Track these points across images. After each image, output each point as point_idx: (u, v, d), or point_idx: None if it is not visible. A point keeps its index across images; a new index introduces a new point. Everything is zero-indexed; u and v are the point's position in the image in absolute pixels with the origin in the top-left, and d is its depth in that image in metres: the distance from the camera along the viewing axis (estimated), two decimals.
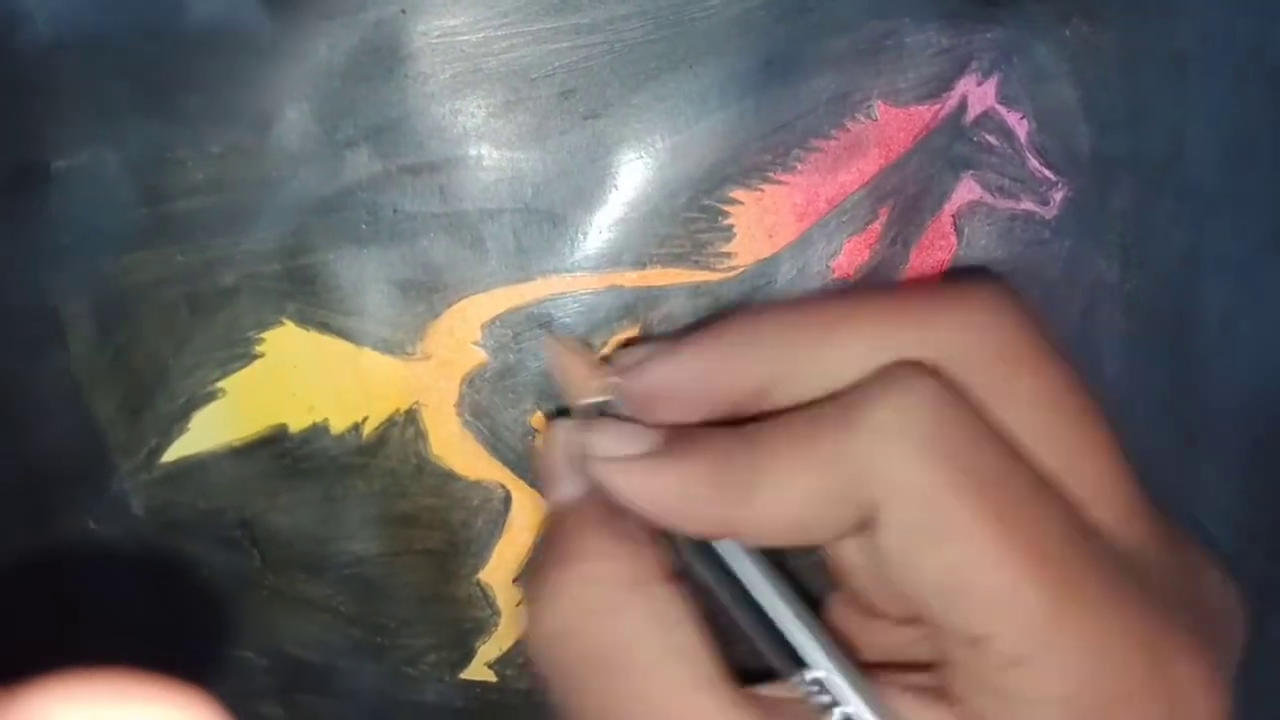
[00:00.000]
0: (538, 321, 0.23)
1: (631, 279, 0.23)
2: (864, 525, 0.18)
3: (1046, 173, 0.25)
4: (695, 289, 0.24)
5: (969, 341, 0.18)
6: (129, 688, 0.09)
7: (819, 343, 0.19)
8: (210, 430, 0.23)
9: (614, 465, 0.19)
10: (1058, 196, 0.25)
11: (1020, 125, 0.24)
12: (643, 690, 0.17)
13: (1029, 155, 0.25)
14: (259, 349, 0.23)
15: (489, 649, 0.25)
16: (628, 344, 0.23)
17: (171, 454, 0.23)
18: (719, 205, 0.23)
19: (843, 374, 0.18)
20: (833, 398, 0.18)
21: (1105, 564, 0.17)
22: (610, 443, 0.19)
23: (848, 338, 0.19)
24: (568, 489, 0.21)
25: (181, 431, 0.23)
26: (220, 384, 0.23)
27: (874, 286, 0.21)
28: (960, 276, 0.21)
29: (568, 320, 0.24)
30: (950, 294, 0.19)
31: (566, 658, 0.18)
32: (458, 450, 0.24)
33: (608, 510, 0.19)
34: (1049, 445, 0.18)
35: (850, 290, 0.22)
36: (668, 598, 0.18)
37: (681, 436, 0.19)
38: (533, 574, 0.20)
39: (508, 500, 0.24)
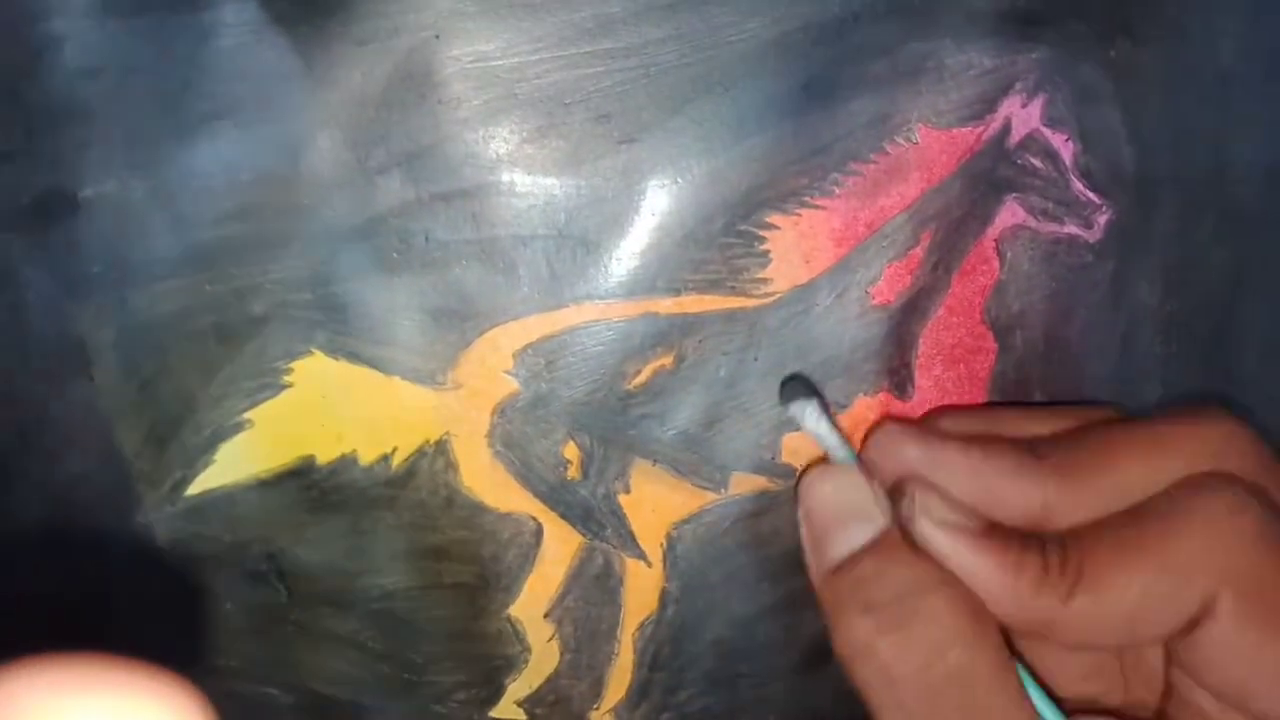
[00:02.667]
0: (571, 349, 0.23)
1: (666, 306, 0.23)
2: (1195, 621, 0.18)
3: (1091, 195, 0.24)
4: (731, 316, 0.23)
5: (1229, 464, 0.19)
6: (111, 672, 0.09)
7: (1100, 470, 0.20)
8: (237, 462, 0.23)
9: (950, 530, 0.19)
10: (1101, 220, 0.24)
11: (1065, 147, 0.24)
12: None
13: (1073, 178, 0.24)
14: (287, 379, 0.23)
15: (518, 687, 0.24)
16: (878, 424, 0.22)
17: (197, 486, 0.23)
18: (755, 230, 0.23)
19: (1121, 500, 0.19)
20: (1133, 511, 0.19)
21: None
22: (944, 508, 0.19)
23: (1126, 464, 0.19)
24: (859, 536, 0.20)
25: (207, 464, 0.23)
26: (247, 415, 0.23)
27: (1134, 416, 0.21)
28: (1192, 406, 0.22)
29: (600, 348, 0.23)
30: (1199, 421, 0.20)
31: (922, 700, 0.18)
32: (489, 481, 0.23)
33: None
34: None
35: (1112, 419, 0.21)
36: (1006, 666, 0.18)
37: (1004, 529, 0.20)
38: (864, 603, 0.19)
39: (539, 533, 0.24)
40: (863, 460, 0.21)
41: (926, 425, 0.22)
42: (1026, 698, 0.18)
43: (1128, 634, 0.18)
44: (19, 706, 0.08)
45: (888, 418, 0.22)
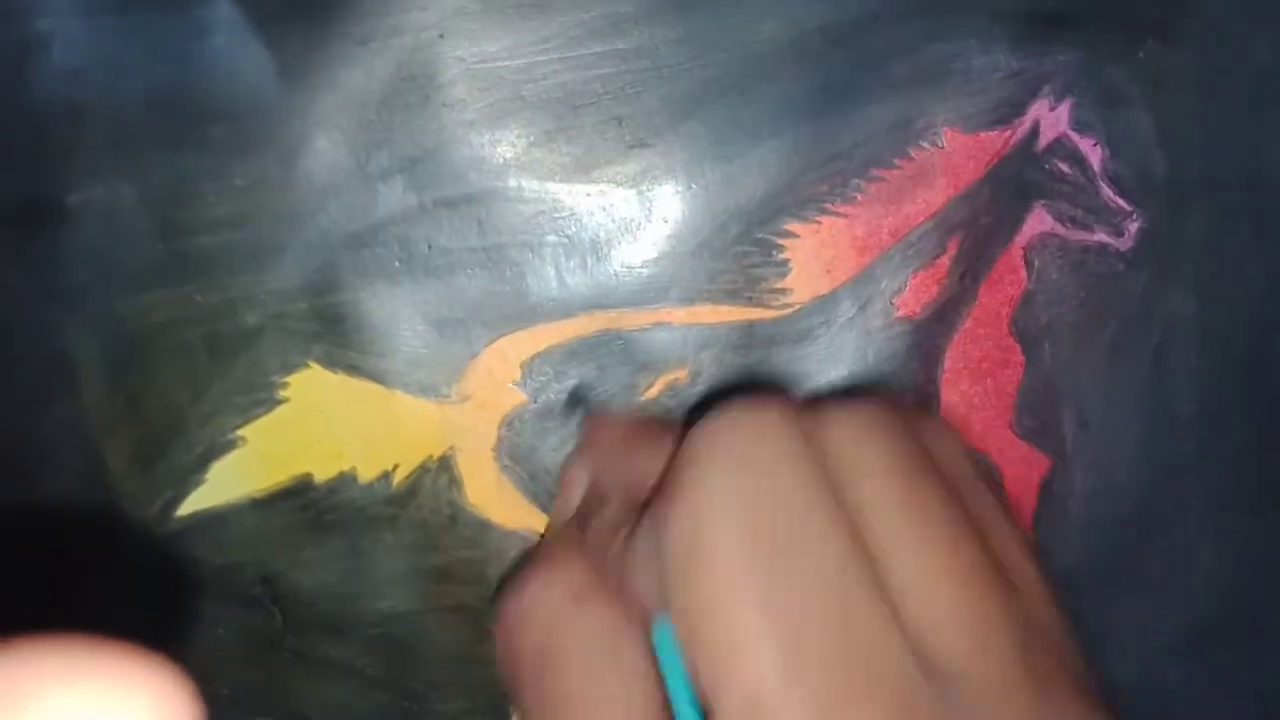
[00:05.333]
0: (581, 360, 0.22)
1: (680, 316, 0.22)
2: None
3: (1121, 202, 0.23)
4: (748, 327, 0.22)
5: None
6: (95, 652, 0.09)
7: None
8: (229, 481, 0.22)
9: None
10: (1132, 227, 0.23)
11: (1093, 152, 0.23)
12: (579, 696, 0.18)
13: (1102, 184, 0.23)
14: (283, 394, 0.22)
15: None
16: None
17: (187, 507, 0.22)
18: (773, 238, 0.22)
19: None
20: None
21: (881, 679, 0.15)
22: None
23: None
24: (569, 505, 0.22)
25: (198, 483, 0.22)
26: (240, 432, 0.22)
27: None
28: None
29: (611, 359, 0.22)
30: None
31: (518, 648, 0.19)
32: (495, 497, 0.22)
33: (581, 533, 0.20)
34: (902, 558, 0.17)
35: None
36: (614, 621, 0.18)
37: None
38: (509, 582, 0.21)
39: None
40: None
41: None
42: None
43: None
44: (4, 687, 0.08)
45: (593, 418, 0.22)
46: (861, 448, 0.17)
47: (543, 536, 0.22)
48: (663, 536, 0.16)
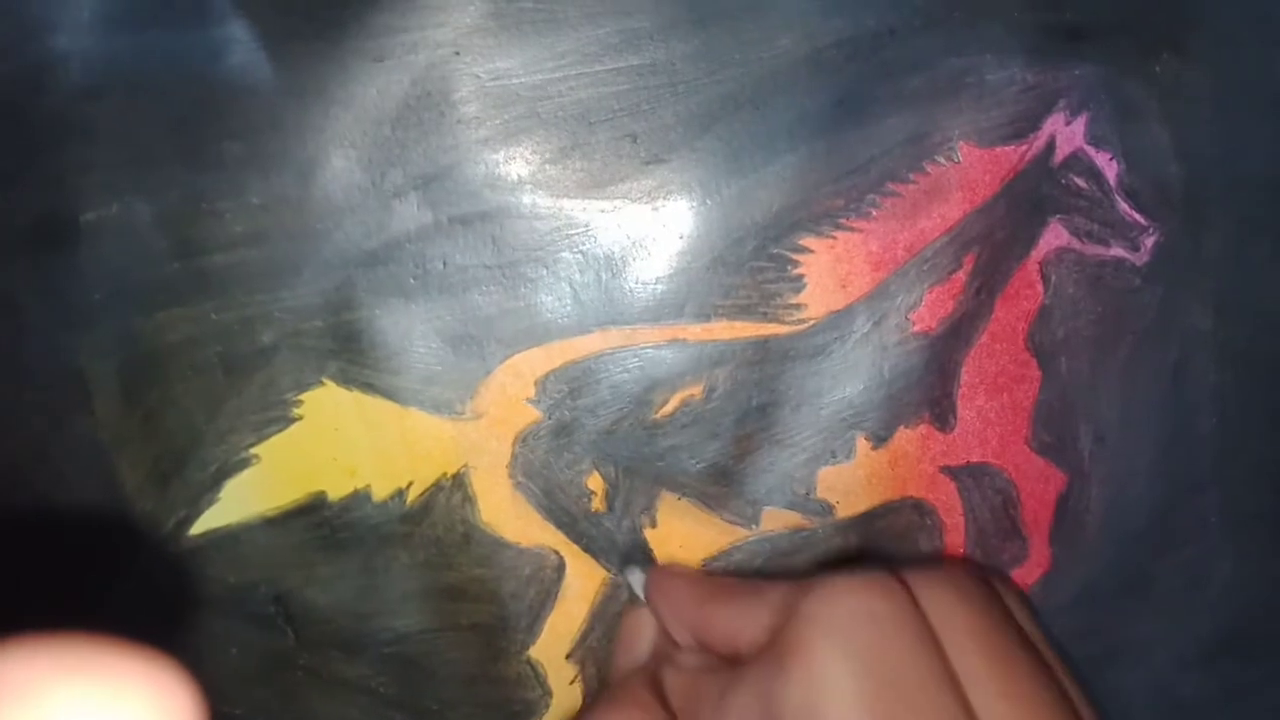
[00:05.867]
0: (595, 377, 0.22)
1: (695, 332, 0.22)
2: None
3: (1137, 216, 0.23)
4: (763, 343, 0.22)
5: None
6: (99, 650, 0.09)
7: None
8: (243, 500, 0.22)
9: None
10: (1149, 242, 0.23)
11: (1110, 166, 0.23)
12: None
13: (1119, 198, 0.23)
14: (297, 411, 0.21)
15: None
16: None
17: (201, 525, 0.22)
18: (788, 254, 0.22)
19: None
20: None
21: None
22: None
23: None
24: (644, 650, 0.23)
25: (212, 501, 0.22)
26: (255, 450, 0.22)
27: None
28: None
29: (626, 376, 0.22)
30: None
31: None
32: (509, 515, 0.22)
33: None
34: None
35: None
36: None
37: None
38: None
39: (561, 567, 0.23)
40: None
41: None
42: None
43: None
44: (8, 684, 0.08)
45: (661, 571, 0.23)
46: (964, 618, 0.18)
47: (603, 683, 0.23)
48: (779, 695, 0.17)
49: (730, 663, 0.20)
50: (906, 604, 0.18)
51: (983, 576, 0.20)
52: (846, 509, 0.23)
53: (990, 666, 0.18)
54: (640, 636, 0.22)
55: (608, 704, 0.20)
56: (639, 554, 0.23)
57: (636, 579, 0.23)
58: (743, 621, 0.19)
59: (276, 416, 0.22)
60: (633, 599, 0.23)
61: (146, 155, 0.21)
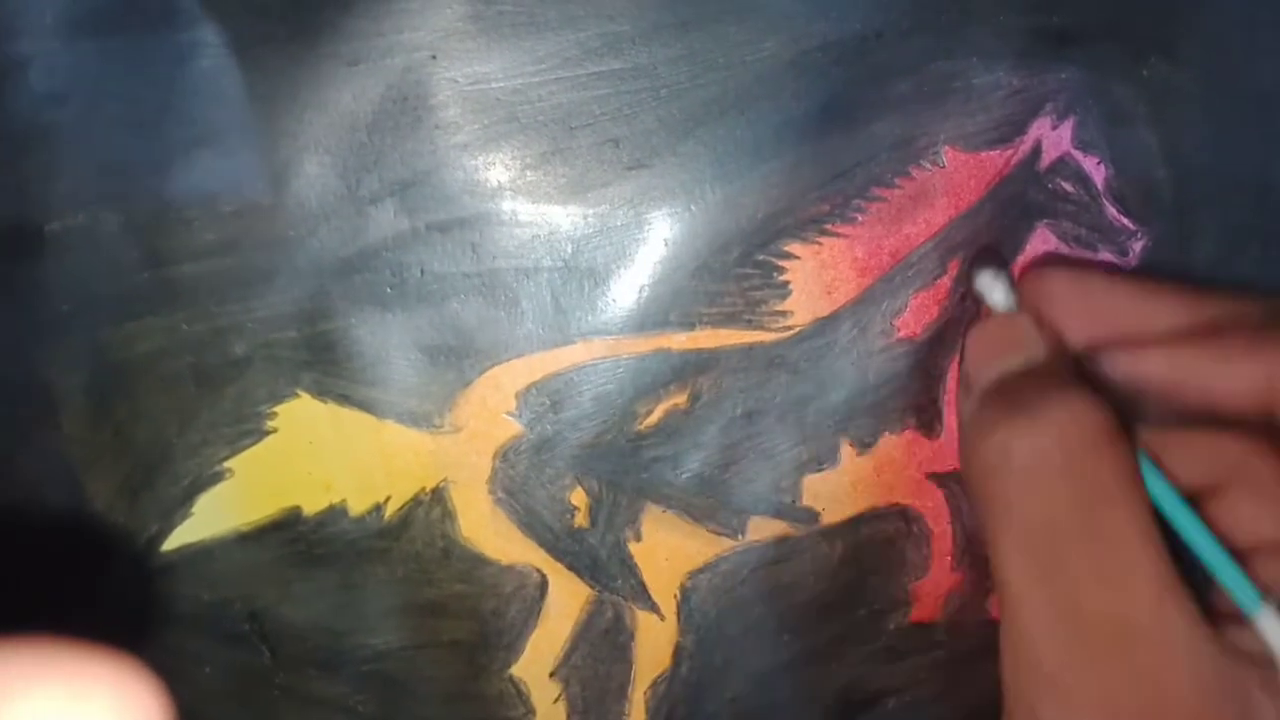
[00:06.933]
0: (577, 388, 0.22)
1: (680, 341, 0.22)
2: None
3: (1126, 221, 0.23)
4: (749, 351, 0.22)
5: None
6: (63, 653, 0.09)
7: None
8: (216, 514, 0.21)
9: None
10: (1137, 247, 0.23)
11: (1097, 171, 0.23)
12: (1110, 546, 0.18)
13: (1107, 203, 0.23)
14: (271, 424, 0.21)
15: None
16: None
17: (173, 541, 0.21)
18: (774, 260, 0.22)
19: None
20: None
21: None
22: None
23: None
24: (1037, 350, 0.21)
25: (185, 516, 0.21)
26: (228, 463, 0.21)
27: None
28: None
29: (609, 387, 0.22)
30: None
31: (1037, 488, 0.19)
32: (489, 532, 0.22)
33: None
34: None
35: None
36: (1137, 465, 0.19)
37: None
38: (1006, 403, 0.20)
39: (543, 585, 0.22)
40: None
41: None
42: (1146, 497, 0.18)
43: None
44: None
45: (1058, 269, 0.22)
46: None
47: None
48: None
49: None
50: None
51: None
52: (832, 516, 0.23)
53: None
54: (1008, 343, 0.21)
55: (1036, 400, 0.19)
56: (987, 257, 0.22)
57: (990, 287, 0.21)
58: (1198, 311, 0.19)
59: (250, 429, 0.21)
60: (987, 296, 0.22)
61: (113, 162, 0.20)
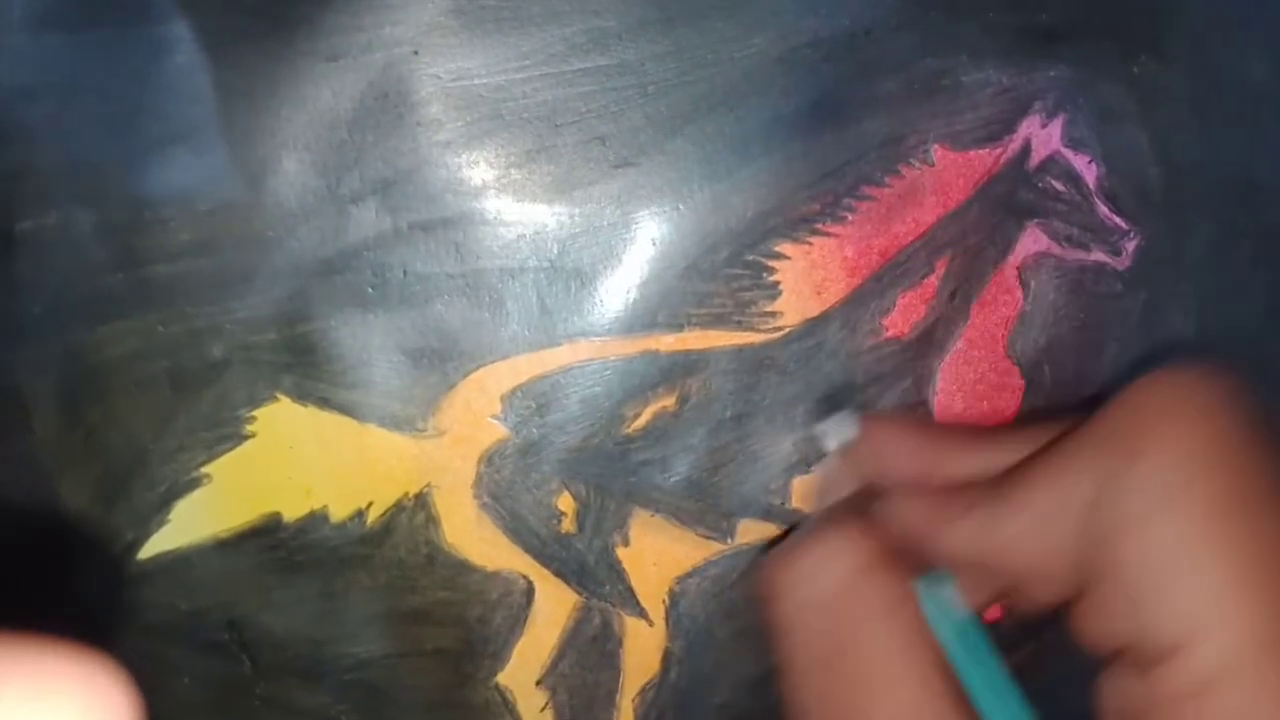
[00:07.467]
0: (564, 391, 0.21)
1: (668, 343, 0.21)
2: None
3: (1118, 220, 0.23)
4: (738, 352, 0.22)
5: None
6: (28, 649, 0.09)
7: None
8: (194, 521, 0.21)
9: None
10: (1130, 246, 0.23)
11: (1088, 169, 0.23)
12: (868, 668, 0.19)
13: (1098, 202, 0.23)
14: (250, 428, 0.21)
15: None
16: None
17: (150, 549, 0.21)
18: (763, 260, 0.21)
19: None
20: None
21: None
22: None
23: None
24: (842, 489, 0.22)
25: (161, 524, 0.21)
26: (206, 469, 0.21)
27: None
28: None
29: (596, 389, 0.21)
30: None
31: (809, 614, 0.20)
32: (474, 538, 0.21)
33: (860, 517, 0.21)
34: None
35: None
36: (902, 593, 0.20)
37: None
38: (799, 536, 0.21)
39: (530, 592, 0.22)
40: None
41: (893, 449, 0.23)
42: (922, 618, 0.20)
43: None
44: None
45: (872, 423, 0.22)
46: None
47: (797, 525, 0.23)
48: (1120, 490, 0.17)
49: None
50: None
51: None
52: None
53: None
54: (837, 485, 0.22)
55: (810, 538, 0.20)
56: (836, 402, 0.22)
57: (836, 429, 0.22)
58: (999, 459, 0.19)
59: (228, 434, 0.21)
60: (818, 457, 0.22)
61: (86, 161, 0.20)
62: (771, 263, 0.21)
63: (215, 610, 0.21)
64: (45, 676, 0.09)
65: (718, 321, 0.21)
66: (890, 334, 0.22)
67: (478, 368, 0.21)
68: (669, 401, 0.22)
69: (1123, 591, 0.17)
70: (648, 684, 0.23)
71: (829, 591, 0.20)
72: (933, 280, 0.22)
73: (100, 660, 0.09)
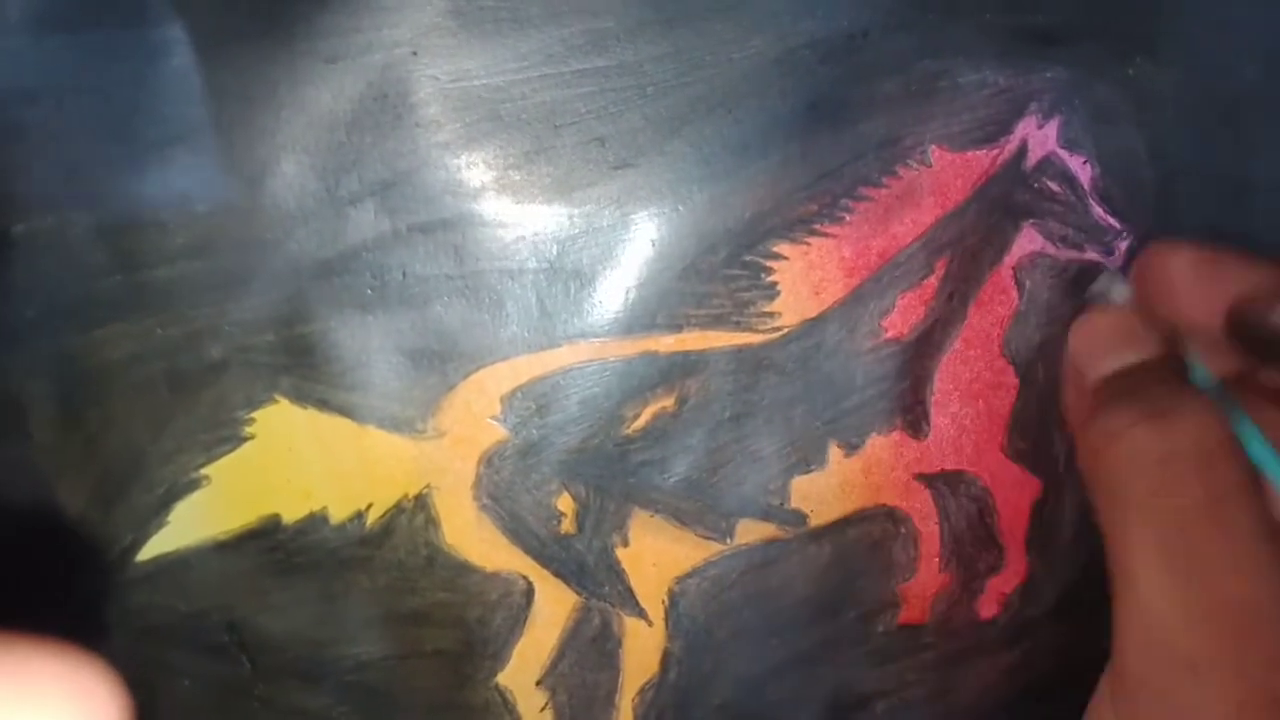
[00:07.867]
0: (563, 392, 0.21)
1: (667, 344, 0.21)
2: None
3: (1112, 220, 0.23)
4: (737, 353, 0.22)
5: None
6: (16, 649, 0.09)
7: None
8: (193, 523, 0.21)
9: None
10: (1123, 246, 0.23)
11: (1083, 170, 0.23)
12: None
13: (1093, 202, 0.23)
14: (249, 430, 0.20)
15: None
16: None
17: (149, 551, 0.21)
18: (761, 261, 0.21)
19: None
20: None
21: None
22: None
23: None
24: (1151, 347, 0.22)
25: (160, 526, 0.21)
26: (204, 471, 0.21)
27: None
28: None
29: (596, 390, 0.21)
30: None
31: (1172, 485, 0.20)
32: (474, 538, 0.21)
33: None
34: None
35: None
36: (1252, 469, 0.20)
37: None
38: (1134, 402, 0.21)
39: (529, 593, 0.22)
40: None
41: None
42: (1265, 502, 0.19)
43: None
44: None
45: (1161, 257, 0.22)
46: None
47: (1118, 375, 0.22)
48: None
49: None
50: None
51: None
52: (820, 518, 0.23)
53: None
54: (1123, 338, 0.21)
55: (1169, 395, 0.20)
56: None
57: (1110, 288, 0.22)
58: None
59: (227, 436, 0.20)
60: (1103, 298, 0.22)
61: (83, 163, 0.19)
62: (770, 263, 0.21)
63: (214, 612, 0.21)
64: (30, 675, 0.09)
65: (716, 322, 0.21)
66: (890, 335, 0.22)
67: (477, 369, 0.21)
68: (668, 402, 0.22)
69: None
70: (647, 684, 0.23)
71: (1201, 461, 0.19)
72: (932, 281, 0.22)
73: (88, 660, 0.09)
